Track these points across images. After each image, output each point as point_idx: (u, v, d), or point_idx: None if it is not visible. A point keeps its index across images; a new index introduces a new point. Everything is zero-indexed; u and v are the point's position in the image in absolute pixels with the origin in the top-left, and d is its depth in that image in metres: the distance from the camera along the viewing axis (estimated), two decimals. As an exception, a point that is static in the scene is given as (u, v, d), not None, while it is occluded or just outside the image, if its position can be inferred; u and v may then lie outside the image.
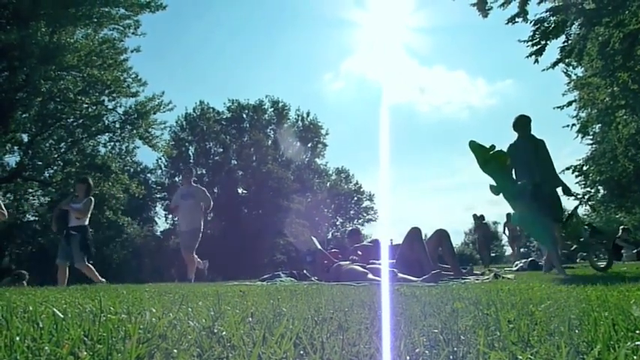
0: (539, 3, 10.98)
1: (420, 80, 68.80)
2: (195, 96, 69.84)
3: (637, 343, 0.94)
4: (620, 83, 12.70)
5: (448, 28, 66.52)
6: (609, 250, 6.56)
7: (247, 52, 61.04)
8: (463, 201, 77.86)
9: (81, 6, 17.08)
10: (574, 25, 11.26)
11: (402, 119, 60.61)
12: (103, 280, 6.86)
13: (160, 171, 36.98)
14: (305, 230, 29.75)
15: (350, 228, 19.10)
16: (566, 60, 12.09)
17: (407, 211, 68.93)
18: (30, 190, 23.28)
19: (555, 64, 11.84)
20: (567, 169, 20.14)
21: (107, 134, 21.27)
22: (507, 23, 11.02)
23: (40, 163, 20.92)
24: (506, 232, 14.31)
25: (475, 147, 5.50)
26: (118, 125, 20.69)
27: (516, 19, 10.92)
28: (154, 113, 20.25)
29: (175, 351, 0.94)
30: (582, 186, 20.93)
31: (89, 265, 7.01)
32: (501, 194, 5.66)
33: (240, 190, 36.27)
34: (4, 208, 6.50)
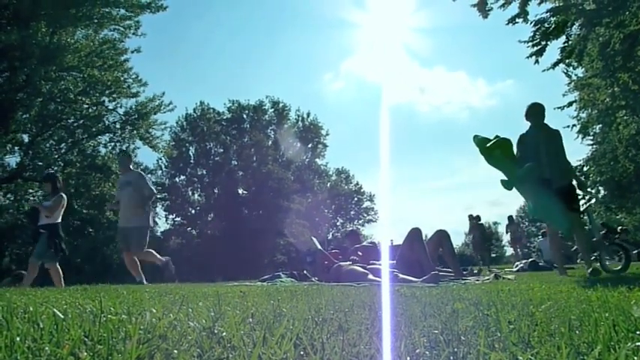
0: (539, 3, 10.99)
1: (420, 80, 68.91)
2: (196, 96, 70.02)
3: (637, 343, 0.94)
4: (620, 84, 12.70)
5: (448, 29, 66.68)
6: (627, 251, 6.04)
7: (247, 52, 61.05)
8: (463, 201, 77.94)
9: (81, 6, 17.09)
10: (574, 26, 11.26)
11: (402, 119, 60.71)
12: (62, 285, 6.33)
13: (160, 171, 36.97)
14: (305, 231, 29.74)
15: (349, 229, 19.12)
16: (567, 60, 12.09)
17: (407, 212, 69.00)
18: (30, 191, 23.27)
19: (556, 64, 11.83)
20: (567, 169, 20.12)
21: (107, 135, 21.29)
22: (508, 24, 11.01)
23: (40, 163, 20.93)
24: (509, 233, 14.30)
25: (478, 141, 5.36)
26: (118, 126, 20.70)
27: (517, 20, 10.92)
28: (155, 114, 20.27)
29: (176, 351, 0.94)
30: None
31: (57, 267, 6.69)
32: (514, 187, 5.35)
33: (240, 191, 36.27)
34: None
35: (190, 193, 37.39)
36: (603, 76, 13.01)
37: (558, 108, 16.93)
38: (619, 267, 5.80)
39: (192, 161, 36.92)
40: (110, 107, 20.29)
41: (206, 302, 2.09)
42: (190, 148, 36.85)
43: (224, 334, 1.09)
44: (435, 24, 49.53)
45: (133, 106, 20.14)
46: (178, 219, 36.27)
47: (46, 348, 0.93)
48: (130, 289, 3.97)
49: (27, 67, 16.48)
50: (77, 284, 5.79)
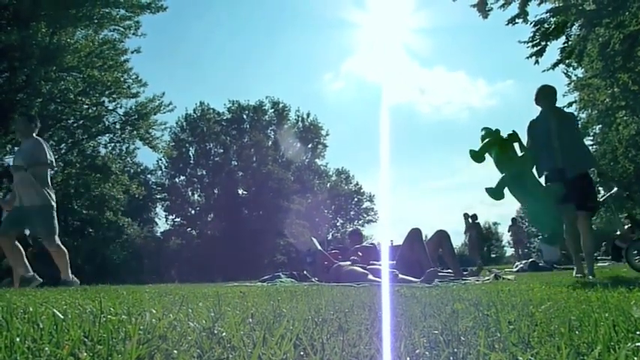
0: (539, 4, 11.01)
1: (420, 81, 68.88)
2: (196, 97, 69.91)
3: (637, 344, 0.94)
4: (620, 84, 12.73)
5: (448, 29, 66.60)
6: None
7: (247, 52, 61.04)
8: (463, 202, 77.88)
9: (81, 7, 17.10)
10: (574, 26, 11.28)
11: (402, 120, 60.64)
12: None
13: (160, 172, 37.00)
14: (305, 231, 29.74)
15: (351, 229, 19.11)
16: (567, 61, 12.11)
17: (407, 212, 68.91)
18: (30, 191, 23.26)
19: (556, 65, 11.85)
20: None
21: (107, 135, 21.31)
22: (508, 24, 11.04)
23: (40, 164, 20.91)
24: (510, 234, 14.23)
25: (474, 155, 4.81)
26: (118, 126, 20.72)
27: (516, 20, 10.95)
28: (155, 114, 20.29)
29: (175, 352, 0.94)
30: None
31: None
32: (508, 190, 4.76)
33: (240, 191, 36.27)
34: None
35: (190, 193, 37.41)
36: (603, 77, 13.03)
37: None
38: None
39: (192, 162, 36.94)
40: (110, 108, 20.32)
41: (206, 302, 2.09)
42: (190, 148, 36.87)
43: (224, 334, 1.09)
44: (435, 24, 49.54)
45: (133, 107, 20.16)
46: (178, 219, 36.30)
47: (46, 348, 0.93)
48: (129, 289, 3.97)
49: (27, 67, 16.49)
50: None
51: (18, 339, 0.96)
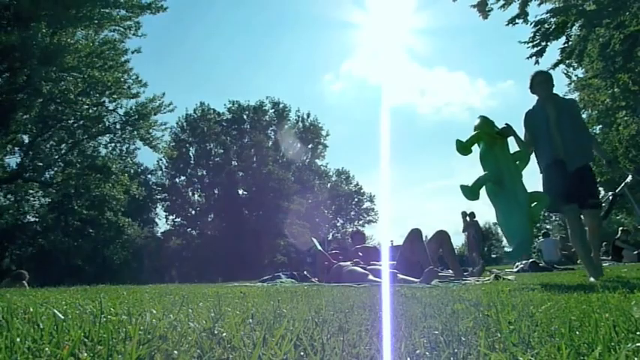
0: (539, 4, 11.02)
1: (420, 81, 68.85)
2: (196, 97, 69.96)
3: (638, 344, 0.94)
4: (620, 84, 12.73)
5: (449, 30, 66.69)
6: None
7: (248, 53, 61.11)
8: (464, 202, 77.47)
9: (82, 7, 17.10)
10: (574, 27, 11.28)
11: (403, 120, 60.68)
12: None
13: (160, 172, 37.07)
14: (305, 231, 29.75)
15: (353, 229, 19.09)
16: (567, 61, 12.12)
17: (407, 213, 68.94)
18: (30, 191, 23.31)
19: (556, 65, 11.86)
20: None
21: (108, 135, 21.29)
22: (508, 24, 11.05)
23: (40, 164, 20.96)
24: None
25: (461, 147, 4.46)
26: (118, 126, 20.70)
27: (517, 21, 10.96)
28: (155, 114, 20.26)
29: (176, 352, 0.94)
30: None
31: None
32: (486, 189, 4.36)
33: (240, 191, 36.29)
34: None
35: (190, 193, 37.44)
36: (603, 77, 13.03)
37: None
38: None
39: (192, 162, 36.97)
40: (110, 108, 20.31)
41: (206, 303, 2.09)
42: (190, 148, 36.90)
43: (224, 334, 1.09)
44: (435, 25, 49.44)
45: (134, 107, 20.14)
46: (178, 219, 36.33)
47: (46, 349, 0.93)
48: (130, 289, 3.97)
49: (27, 67, 16.48)
50: (77, 285, 5.80)
51: (18, 339, 0.96)
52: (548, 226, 43.53)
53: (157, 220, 37.65)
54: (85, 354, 0.91)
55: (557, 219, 37.92)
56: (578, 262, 9.65)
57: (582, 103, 17.56)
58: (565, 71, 16.88)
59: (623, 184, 5.47)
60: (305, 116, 39.14)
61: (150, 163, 37.46)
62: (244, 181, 36.34)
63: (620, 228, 12.73)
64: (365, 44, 50.97)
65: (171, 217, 36.26)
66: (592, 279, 4.23)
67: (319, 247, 6.76)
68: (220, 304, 1.85)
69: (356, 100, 66.39)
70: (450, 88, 69.87)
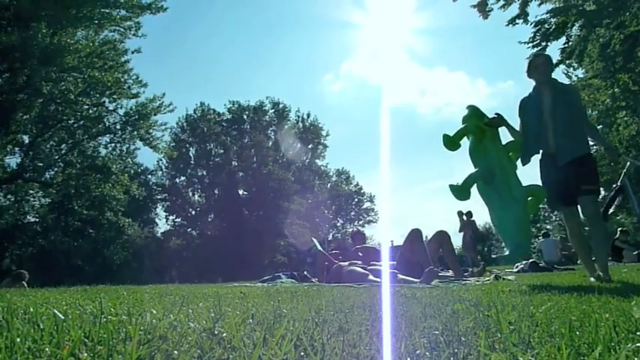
0: (539, 5, 11.03)
1: (420, 81, 68.84)
2: (196, 97, 69.94)
3: (638, 344, 0.94)
4: (620, 85, 12.73)
5: (449, 30, 66.66)
6: None
7: (248, 53, 61.11)
8: (464, 202, 77.63)
9: (82, 7, 17.11)
10: (574, 27, 11.29)
11: (403, 120, 60.64)
12: None
13: (160, 172, 37.09)
14: (305, 231, 29.75)
15: (354, 229, 19.08)
16: (567, 61, 12.13)
17: (407, 212, 68.90)
18: (31, 192, 23.32)
19: (556, 65, 11.85)
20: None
21: (108, 135, 21.31)
22: (508, 25, 11.06)
23: (40, 164, 20.97)
24: None
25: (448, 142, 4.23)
26: (118, 126, 20.72)
27: (517, 21, 10.97)
28: (155, 114, 20.28)
29: (176, 352, 0.94)
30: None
31: None
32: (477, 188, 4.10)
33: (240, 192, 36.30)
34: None
35: (190, 193, 37.45)
36: (603, 77, 13.03)
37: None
38: None
39: (192, 162, 36.98)
40: (110, 108, 20.33)
41: (206, 303, 2.09)
42: (190, 148, 36.92)
43: (224, 334, 1.09)
44: (435, 25, 49.50)
45: (134, 107, 20.16)
46: (178, 220, 36.34)
47: (47, 349, 0.93)
48: (130, 289, 3.97)
49: (27, 68, 16.49)
50: (77, 285, 5.80)
51: (18, 339, 0.96)
52: (548, 226, 43.52)
53: (157, 220, 37.71)
54: (85, 354, 0.91)
55: (558, 219, 37.90)
56: (579, 262, 9.65)
57: (582, 103, 17.58)
58: (565, 71, 16.90)
59: (623, 174, 5.12)
60: (305, 116, 39.20)
61: (150, 163, 37.50)
62: (244, 181, 36.35)
63: (620, 228, 12.73)
64: (365, 44, 51.04)
65: (171, 218, 36.31)
66: (592, 277, 4.08)
67: (319, 247, 6.76)
68: (220, 304, 1.85)
69: (356, 100, 66.40)
70: (450, 88, 69.83)
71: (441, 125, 72.05)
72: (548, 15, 10.95)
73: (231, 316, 1.41)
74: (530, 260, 9.82)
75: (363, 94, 64.14)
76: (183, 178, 37.29)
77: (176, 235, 35.56)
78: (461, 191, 3.98)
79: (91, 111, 20.17)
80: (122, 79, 19.49)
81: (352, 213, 41.75)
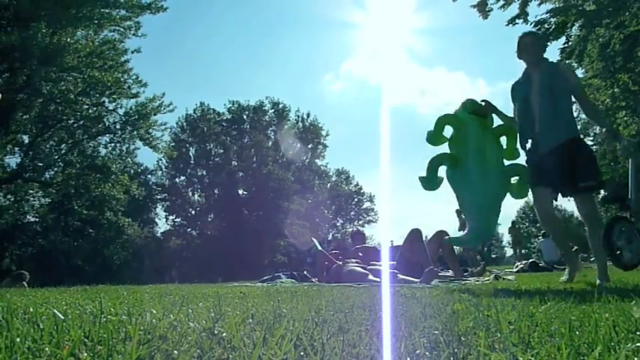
0: (539, 4, 11.02)
1: (420, 81, 68.90)
2: (196, 97, 69.96)
3: (638, 344, 0.94)
4: (620, 84, 12.72)
5: (448, 30, 66.70)
6: None
7: (248, 53, 61.15)
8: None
9: (81, 7, 17.11)
10: (574, 27, 11.29)
11: (403, 120, 60.65)
12: None
13: (160, 172, 37.07)
14: (305, 231, 29.74)
15: (354, 229, 19.08)
16: (567, 61, 12.11)
17: (407, 213, 68.87)
18: (30, 192, 23.31)
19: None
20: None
21: (108, 135, 21.32)
22: (508, 25, 11.04)
23: (40, 164, 20.97)
24: (510, 236, 14.13)
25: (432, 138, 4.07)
26: (118, 126, 20.73)
27: (517, 21, 10.96)
28: (155, 114, 20.29)
29: (176, 352, 0.94)
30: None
31: None
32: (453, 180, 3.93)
33: (240, 192, 36.30)
34: None
35: (190, 193, 37.45)
36: (603, 77, 13.03)
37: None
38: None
39: (192, 162, 36.98)
40: (110, 108, 20.34)
41: (206, 303, 2.09)
42: (190, 148, 36.91)
43: (224, 334, 1.09)
44: (435, 25, 49.65)
45: (133, 107, 20.16)
46: (178, 220, 36.34)
47: (46, 349, 0.93)
48: (130, 289, 3.97)
49: (27, 67, 16.50)
50: (77, 285, 5.79)
51: (18, 339, 0.96)
52: (548, 226, 43.44)
53: (157, 220, 37.71)
54: (85, 354, 0.91)
55: (557, 219, 37.79)
56: (579, 261, 9.63)
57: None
58: (565, 71, 16.88)
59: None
60: (305, 116, 39.18)
61: (150, 163, 37.47)
62: (244, 181, 36.35)
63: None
64: (365, 44, 51.13)
65: (171, 217, 36.31)
66: (565, 278, 3.89)
67: (319, 247, 6.76)
68: (220, 304, 1.85)
69: (356, 100, 66.49)
70: (449, 88, 69.84)
71: (441, 125, 71.89)
72: (548, 15, 10.94)
73: (231, 316, 1.41)
74: (530, 260, 9.83)
75: (363, 94, 64.24)
76: (183, 178, 37.30)
77: (176, 235, 35.56)
78: (427, 180, 3.87)
79: (90, 111, 20.17)
80: (122, 79, 19.50)
81: (352, 213, 41.75)
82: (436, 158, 3.93)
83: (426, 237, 6.40)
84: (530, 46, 3.97)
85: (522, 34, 4.11)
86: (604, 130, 4.09)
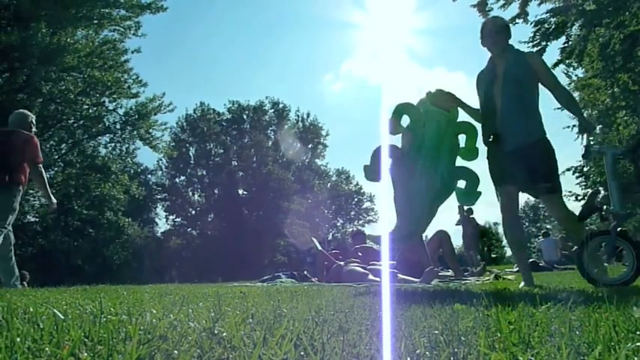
0: (539, 4, 11.03)
1: (420, 82, 68.80)
2: (196, 97, 69.93)
3: (638, 344, 0.94)
4: (620, 84, 12.72)
5: (448, 30, 66.64)
6: None
7: (248, 53, 61.13)
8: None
9: (81, 7, 17.13)
10: (574, 26, 11.30)
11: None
12: None
13: (160, 172, 37.05)
14: (305, 231, 29.74)
15: (354, 229, 19.09)
16: (567, 61, 12.13)
17: (407, 212, 68.79)
18: (30, 191, 23.27)
19: (556, 65, 11.87)
20: (568, 170, 20.16)
21: (108, 135, 21.34)
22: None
23: (40, 164, 20.96)
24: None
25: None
26: (118, 126, 20.75)
27: (517, 20, 10.97)
28: (155, 114, 20.31)
29: (176, 352, 0.94)
30: (583, 187, 21.00)
31: None
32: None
33: (240, 191, 36.30)
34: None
35: (190, 193, 37.45)
36: (603, 77, 13.03)
37: (558, 108, 16.93)
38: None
39: (192, 162, 36.97)
40: (110, 108, 20.36)
41: (206, 303, 2.09)
42: (190, 148, 36.91)
43: (224, 334, 1.09)
44: (435, 25, 49.64)
45: (133, 107, 20.19)
46: (178, 219, 36.34)
47: (47, 349, 0.93)
48: (130, 289, 3.97)
49: (27, 67, 16.52)
50: (77, 285, 5.79)
51: (18, 339, 0.96)
52: (548, 226, 43.53)
53: (157, 220, 37.67)
54: (85, 354, 0.91)
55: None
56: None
57: (582, 103, 17.56)
58: (565, 71, 16.87)
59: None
60: (305, 116, 39.19)
61: (150, 163, 37.45)
62: (244, 181, 36.35)
63: (619, 229, 12.67)
64: (365, 44, 51.13)
65: (171, 217, 36.30)
66: (524, 285, 3.50)
67: (319, 247, 6.76)
68: (220, 304, 1.85)
69: (356, 100, 66.44)
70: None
71: (441, 125, 71.88)
72: (548, 15, 10.95)
73: (231, 315, 1.41)
74: (530, 260, 9.81)
75: (363, 94, 64.18)
76: (183, 177, 37.30)
77: (176, 234, 35.55)
78: (369, 170, 3.70)
79: (90, 111, 20.18)
80: (122, 79, 19.52)
81: (352, 213, 41.74)
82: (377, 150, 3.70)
83: (426, 237, 6.40)
84: (493, 34, 3.61)
85: (486, 20, 3.79)
86: (579, 120, 3.69)
